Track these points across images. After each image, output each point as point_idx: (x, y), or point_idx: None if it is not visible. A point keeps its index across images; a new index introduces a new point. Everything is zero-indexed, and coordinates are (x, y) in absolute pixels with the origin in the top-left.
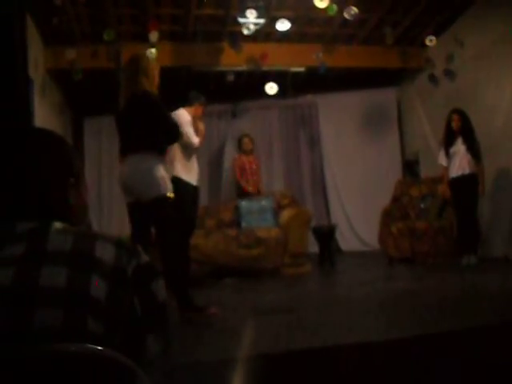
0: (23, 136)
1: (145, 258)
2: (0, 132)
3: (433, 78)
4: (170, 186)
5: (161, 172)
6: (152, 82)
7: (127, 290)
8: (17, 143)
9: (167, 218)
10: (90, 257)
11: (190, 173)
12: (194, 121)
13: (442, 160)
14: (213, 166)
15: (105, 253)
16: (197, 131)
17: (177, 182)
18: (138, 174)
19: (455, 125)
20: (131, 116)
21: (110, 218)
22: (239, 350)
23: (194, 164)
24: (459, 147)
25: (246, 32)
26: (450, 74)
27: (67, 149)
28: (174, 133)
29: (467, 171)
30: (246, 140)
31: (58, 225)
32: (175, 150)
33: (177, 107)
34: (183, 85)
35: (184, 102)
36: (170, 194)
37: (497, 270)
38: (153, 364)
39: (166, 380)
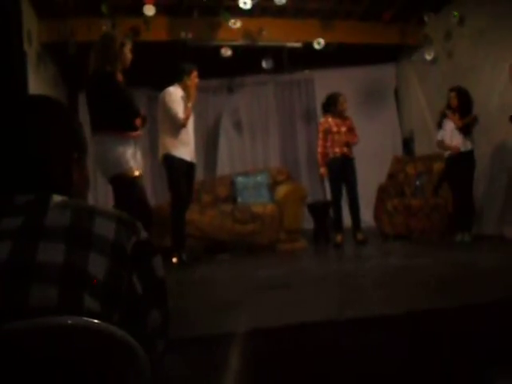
0: (27, 105)
1: (144, 234)
2: (3, 101)
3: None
4: (130, 164)
5: (117, 152)
6: (119, 62)
7: (126, 267)
8: (20, 112)
9: (127, 197)
10: (89, 233)
11: (182, 149)
12: (192, 91)
13: (439, 135)
14: (209, 141)
15: (104, 229)
16: (192, 104)
17: (168, 158)
18: (97, 156)
19: (452, 102)
20: (89, 95)
21: (106, 194)
22: (236, 326)
23: (187, 140)
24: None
25: (242, 6)
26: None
27: (73, 121)
28: (129, 111)
29: (463, 149)
30: (341, 99)
31: (57, 198)
32: (164, 127)
33: (172, 82)
34: (178, 59)
35: (179, 76)
36: (135, 173)
37: (491, 247)
38: (153, 339)
39: (163, 355)
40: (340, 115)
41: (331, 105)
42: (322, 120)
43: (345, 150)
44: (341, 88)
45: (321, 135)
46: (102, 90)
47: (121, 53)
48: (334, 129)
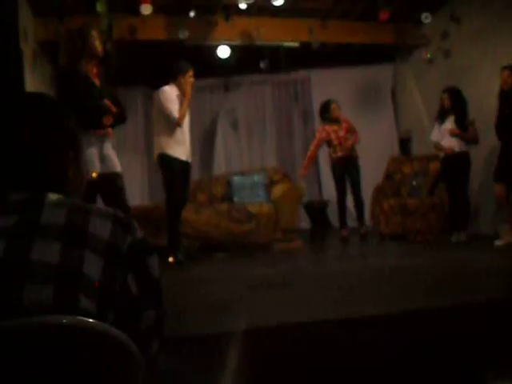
0: (23, 102)
1: (140, 233)
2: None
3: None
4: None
5: None
6: (83, 55)
7: (121, 266)
8: (16, 110)
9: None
10: (84, 232)
11: (177, 148)
12: (188, 89)
13: (434, 136)
14: (205, 140)
15: (99, 228)
16: (188, 103)
17: (163, 157)
18: None
19: (445, 103)
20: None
21: None
22: (231, 325)
23: (182, 139)
24: (450, 125)
25: (240, 5)
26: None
27: (69, 120)
28: (84, 108)
29: (458, 149)
30: (333, 106)
31: (52, 196)
32: (159, 126)
33: (168, 81)
34: (175, 59)
35: (174, 75)
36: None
37: (487, 247)
38: (148, 338)
39: (158, 354)
40: (335, 121)
41: (324, 112)
42: (319, 128)
43: (347, 152)
44: (338, 88)
45: (315, 142)
46: (58, 87)
47: (85, 45)
48: (335, 142)
